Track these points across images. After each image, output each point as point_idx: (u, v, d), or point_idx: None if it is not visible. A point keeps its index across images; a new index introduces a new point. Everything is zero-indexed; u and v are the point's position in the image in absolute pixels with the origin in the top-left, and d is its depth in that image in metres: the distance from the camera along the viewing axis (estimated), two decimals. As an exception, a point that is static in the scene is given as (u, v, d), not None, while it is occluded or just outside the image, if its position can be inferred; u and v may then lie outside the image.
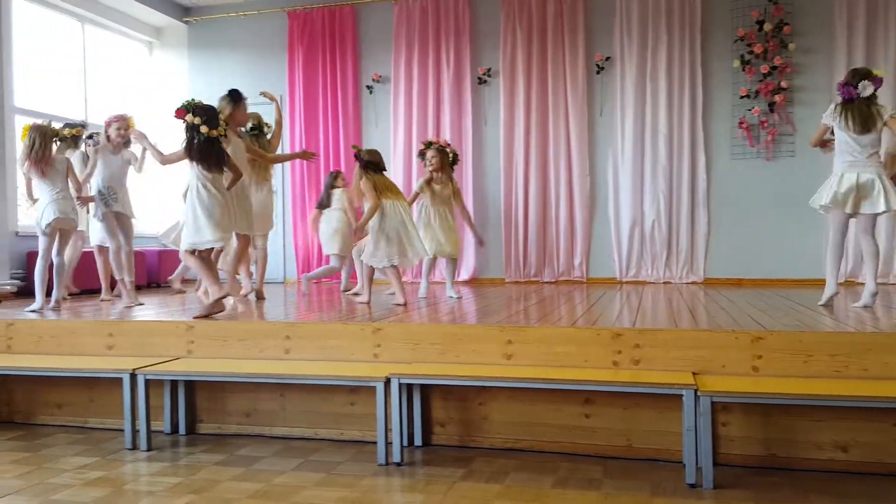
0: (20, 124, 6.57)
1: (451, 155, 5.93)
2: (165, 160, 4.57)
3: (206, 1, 8.35)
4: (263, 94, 5.73)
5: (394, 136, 8.01)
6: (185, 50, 8.59)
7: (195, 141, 4.34)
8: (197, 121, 4.31)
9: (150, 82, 8.67)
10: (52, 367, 3.84)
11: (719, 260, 7.33)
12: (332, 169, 8.11)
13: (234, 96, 4.92)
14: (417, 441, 3.58)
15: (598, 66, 7.53)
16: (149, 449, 3.57)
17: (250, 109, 5.20)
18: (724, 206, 7.31)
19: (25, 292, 6.23)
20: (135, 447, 3.59)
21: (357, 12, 8.13)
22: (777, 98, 7.05)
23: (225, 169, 4.48)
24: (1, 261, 5.94)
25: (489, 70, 7.77)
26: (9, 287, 5.94)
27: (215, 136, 4.37)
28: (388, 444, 3.30)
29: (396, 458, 3.28)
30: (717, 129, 7.34)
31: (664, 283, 7.30)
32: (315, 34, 8.18)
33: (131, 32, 8.26)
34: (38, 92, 7.03)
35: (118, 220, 5.38)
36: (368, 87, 8.11)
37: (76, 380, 4.05)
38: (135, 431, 3.61)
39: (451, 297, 5.42)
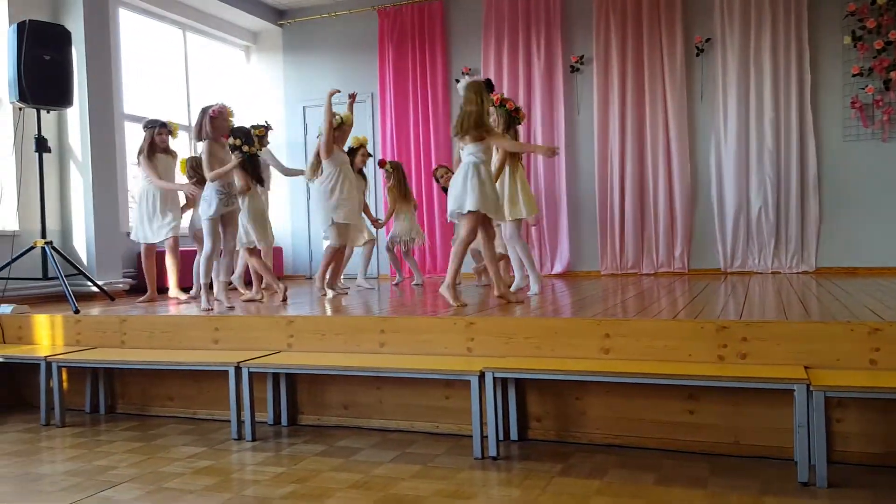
0: (129, 130, 6.97)
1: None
2: (216, 175, 4.86)
3: (299, 4, 8.58)
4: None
5: (485, 129, 7.97)
6: (280, 53, 8.86)
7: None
8: (238, 142, 5.00)
9: (248, 85, 8.99)
10: (162, 360, 4.04)
11: (832, 248, 6.91)
12: (420, 165, 8.20)
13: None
14: (513, 435, 3.55)
15: (697, 48, 7.24)
16: (253, 439, 3.70)
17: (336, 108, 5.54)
18: (836, 191, 6.89)
19: (137, 289, 6.60)
20: (240, 438, 3.73)
21: (446, 6, 8.14)
22: (893, 75, 6.57)
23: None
24: (114, 260, 6.29)
25: (581, 57, 7.61)
26: (121, 285, 6.30)
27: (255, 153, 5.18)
28: (483, 437, 3.28)
29: (492, 452, 3.26)
30: (828, 110, 6.91)
31: (772, 273, 6.95)
32: (405, 31, 8.25)
33: (229, 38, 8.59)
34: (144, 98, 7.40)
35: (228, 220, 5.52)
36: (457, 80, 8.07)
37: (185, 373, 4.25)
38: (240, 422, 3.75)
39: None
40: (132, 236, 5.92)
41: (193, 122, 5.82)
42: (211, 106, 4.83)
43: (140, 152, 5.71)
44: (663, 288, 5.51)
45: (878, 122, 6.71)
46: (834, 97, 6.88)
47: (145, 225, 5.73)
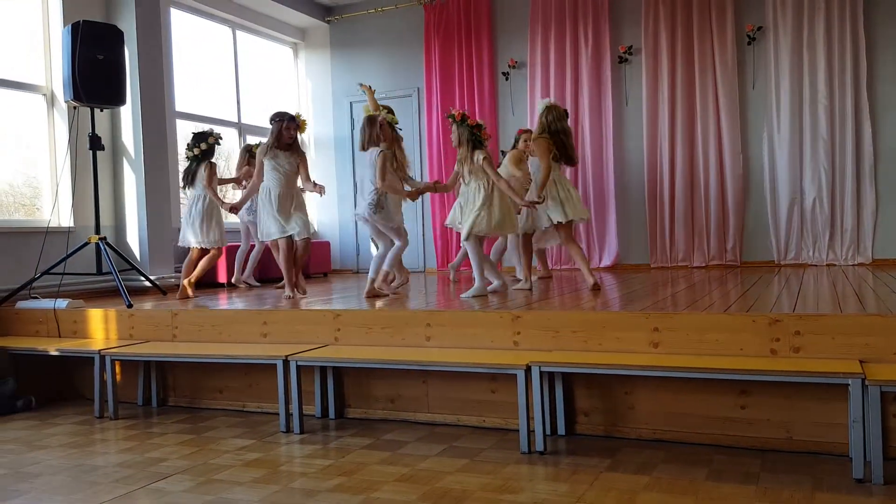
0: (181, 128, 7.12)
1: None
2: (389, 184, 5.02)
3: (346, 0, 8.63)
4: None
5: (530, 121, 7.91)
6: (328, 49, 8.93)
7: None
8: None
9: (296, 82, 9.10)
10: (213, 354, 4.11)
11: (889, 239, 6.67)
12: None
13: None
14: (560, 430, 3.52)
15: (749, 36, 7.05)
16: (301, 432, 3.75)
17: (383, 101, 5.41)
18: (893, 181, 6.64)
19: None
20: (289, 430, 3.78)
21: (492, -1, 8.10)
22: (954, 59, 6.30)
23: None
24: (165, 255, 6.43)
25: (630, 48, 7.49)
26: (173, 279, 6.43)
27: None
28: (530, 432, 3.26)
29: (539, 446, 3.24)
30: (885, 98, 6.66)
31: (827, 265, 6.74)
32: (451, 24, 8.22)
33: (278, 35, 8.69)
34: (195, 96, 7.55)
35: None
36: (504, 73, 8.05)
37: (234, 366, 4.33)
38: (288, 415, 3.80)
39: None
40: (261, 236, 5.49)
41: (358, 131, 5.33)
42: (378, 115, 5.12)
43: (265, 147, 5.29)
44: (714, 281, 5.40)
45: (939, 109, 6.44)
46: (891, 84, 6.63)
47: (272, 221, 5.25)
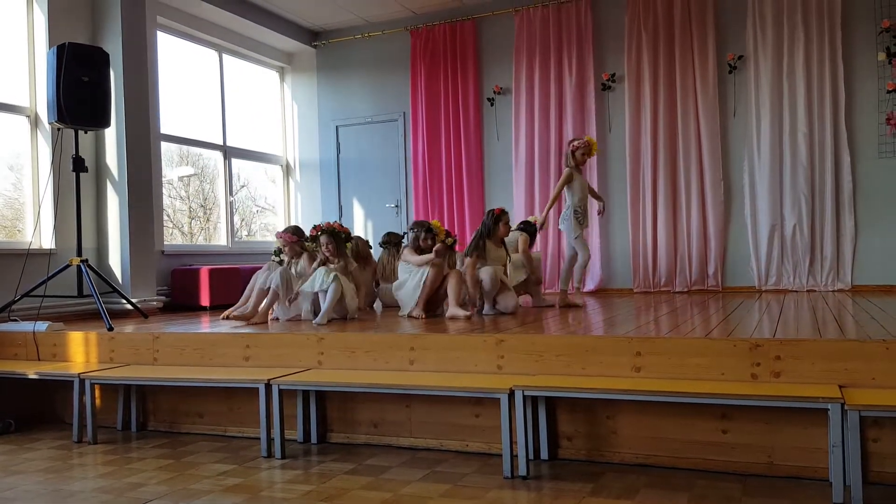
0: (165, 150, 7.12)
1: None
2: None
3: (333, 25, 8.71)
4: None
5: (515, 147, 7.99)
6: (314, 73, 8.98)
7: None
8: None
9: (283, 106, 9.13)
10: (193, 378, 4.07)
11: (868, 266, 6.76)
12: (452, 185, 8.22)
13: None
14: (543, 454, 3.51)
15: (730, 65, 7.19)
16: (283, 457, 3.71)
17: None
18: (871, 208, 6.75)
19: (169, 308, 6.70)
20: (270, 455, 3.74)
21: (478, 25, 8.20)
22: (929, 90, 6.46)
23: None
24: (149, 278, 6.39)
25: (613, 75, 7.60)
26: (155, 303, 6.39)
27: None
28: (513, 456, 3.25)
29: (522, 471, 3.23)
30: (862, 127, 6.79)
31: (808, 291, 6.82)
32: (437, 50, 8.32)
33: (265, 59, 8.74)
34: (180, 119, 7.56)
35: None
36: (490, 99, 8.14)
37: (216, 390, 4.29)
38: (270, 440, 3.77)
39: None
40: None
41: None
42: (575, 139, 5.82)
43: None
44: (696, 305, 5.44)
45: (914, 138, 6.59)
46: (869, 113, 6.77)
47: None
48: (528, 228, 6.16)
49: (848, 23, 6.78)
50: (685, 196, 7.33)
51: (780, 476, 3.12)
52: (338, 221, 5.92)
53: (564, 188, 5.79)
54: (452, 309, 4.92)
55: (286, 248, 5.37)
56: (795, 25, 6.91)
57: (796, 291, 6.81)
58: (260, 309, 5.14)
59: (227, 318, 5.36)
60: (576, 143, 5.79)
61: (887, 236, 6.68)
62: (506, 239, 5.54)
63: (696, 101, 7.27)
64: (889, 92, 6.62)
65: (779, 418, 3.14)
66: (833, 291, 6.68)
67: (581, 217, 5.76)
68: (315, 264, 5.10)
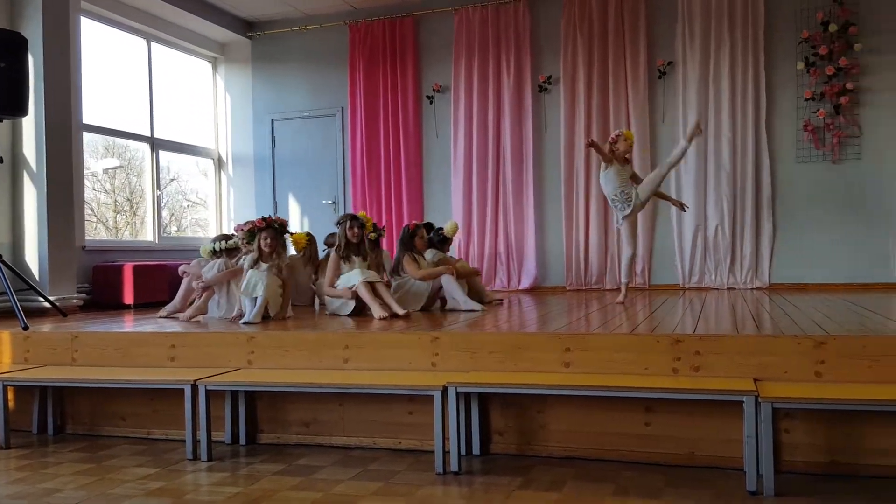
0: (89, 141, 6.85)
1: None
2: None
3: (268, 16, 8.54)
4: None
5: (454, 145, 8.02)
6: (249, 65, 8.80)
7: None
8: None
9: (215, 97, 8.92)
10: (115, 378, 3.94)
11: (785, 265, 7.08)
12: (391, 180, 8.17)
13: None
14: (476, 450, 3.55)
15: (659, 71, 7.40)
16: (209, 459, 3.63)
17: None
18: (789, 210, 7.07)
19: (91, 305, 6.46)
20: (196, 458, 3.65)
21: (417, 23, 8.19)
22: (843, 100, 6.79)
23: None
24: (68, 275, 6.13)
25: (549, 77, 7.72)
26: (75, 301, 6.15)
27: None
28: (445, 453, 3.28)
29: (454, 467, 3.25)
30: (782, 133, 7.11)
31: (728, 288, 7.09)
32: (375, 46, 8.26)
33: (196, 49, 8.51)
34: (104, 109, 7.29)
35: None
36: (429, 97, 8.14)
37: (139, 391, 4.14)
38: (196, 442, 3.67)
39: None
40: None
41: None
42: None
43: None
44: (624, 302, 5.57)
45: (828, 145, 6.92)
46: (788, 120, 7.08)
47: None
48: (435, 238, 5.99)
49: (770, 33, 7.08)
50: (615, 196, 7.50)
51: (701, 466, 3.24)
52: (278, 216, 5.79)
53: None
54: (387, 309, 4.85)
55: (244, 242, 5.30)
56: (722, 34, 7.16)
57: (717, 289, 7.07)
58: (197, 304, 5.13)
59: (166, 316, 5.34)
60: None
61: (803, 237, 7.01)
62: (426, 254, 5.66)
63: (627, 105, 7.46)
64: (807, 100, 6.94)
65: (699, 411, 3.26)
66: (752, 289, 6.97)
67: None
68: (248, 262, 5.00)
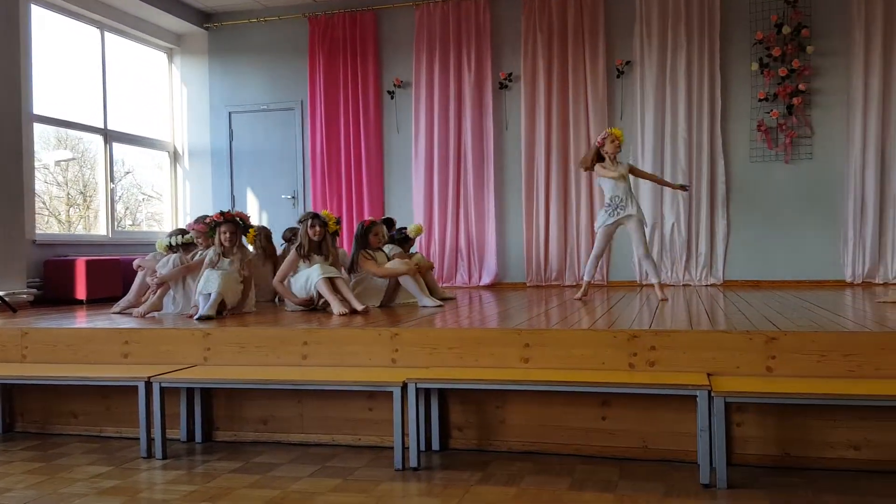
0: (40, 133, 6.67)
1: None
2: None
3: (226, 7, 8.41)
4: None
5: (415, 141, 8.01)
6: (206, 56, 8.65)
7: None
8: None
9: (171, 88, 8.75)
10: (67, 375, 3.85)
11: (738, 262, 7.26)
12: (351, 174, 8.12)
13: None
14: (435, 445, 3.56)
15: (618, 70, 7.49)
16: (164, 457, 3.57)
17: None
18: (742, 209, 7.24)
19: (42, 301, 6.30)
20: (150, 456, 3.59)
21: (378, 17, 8.14)
22: (795, 101, 6.98)
23: None
24: (17, 269, 5.98)
25: (510, 75, 7.75)
26: (24, 296, 5.99)
27: None
28: (404, 448, 3.28)
29: (413, 462, 3.26)
30: (736, 132, 7.27)
31: (683, 285, 7.22)
32: (336, 39, 8.19)
33: (151, 39, 8.33)
34: (56, 99, 7.10)
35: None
36: (390, 92, 8.11)
37: (92, 388, 4.05)
38: (150, 440, 3.61)
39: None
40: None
41: None
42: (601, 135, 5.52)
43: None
44: (583, 299, 5.64)
45: (781, 145, 7.10)
46: (742, 120, 7.24)
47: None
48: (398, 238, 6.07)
49: (726, 34, 7.22)
50: (575, 194, 7.59)
51: (655, 460, 3.30)
52: (237, 210, 5.72)
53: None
54: (347, 305, 4.83)
55: (199, 239, 5.20)
56: (679, 35, 7.28)
57: (673, 285, 7.20)
58: (151, 300, 5.06)
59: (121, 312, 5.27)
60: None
61: (756, 234, 7.19)
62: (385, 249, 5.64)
63: (586, 103, 7.54)
64: (761, 100, 7.11)
65: (654, 405, 3.32)
66: (706, 286, 7.11)
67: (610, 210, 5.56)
68: (210, 258, 4.92)
